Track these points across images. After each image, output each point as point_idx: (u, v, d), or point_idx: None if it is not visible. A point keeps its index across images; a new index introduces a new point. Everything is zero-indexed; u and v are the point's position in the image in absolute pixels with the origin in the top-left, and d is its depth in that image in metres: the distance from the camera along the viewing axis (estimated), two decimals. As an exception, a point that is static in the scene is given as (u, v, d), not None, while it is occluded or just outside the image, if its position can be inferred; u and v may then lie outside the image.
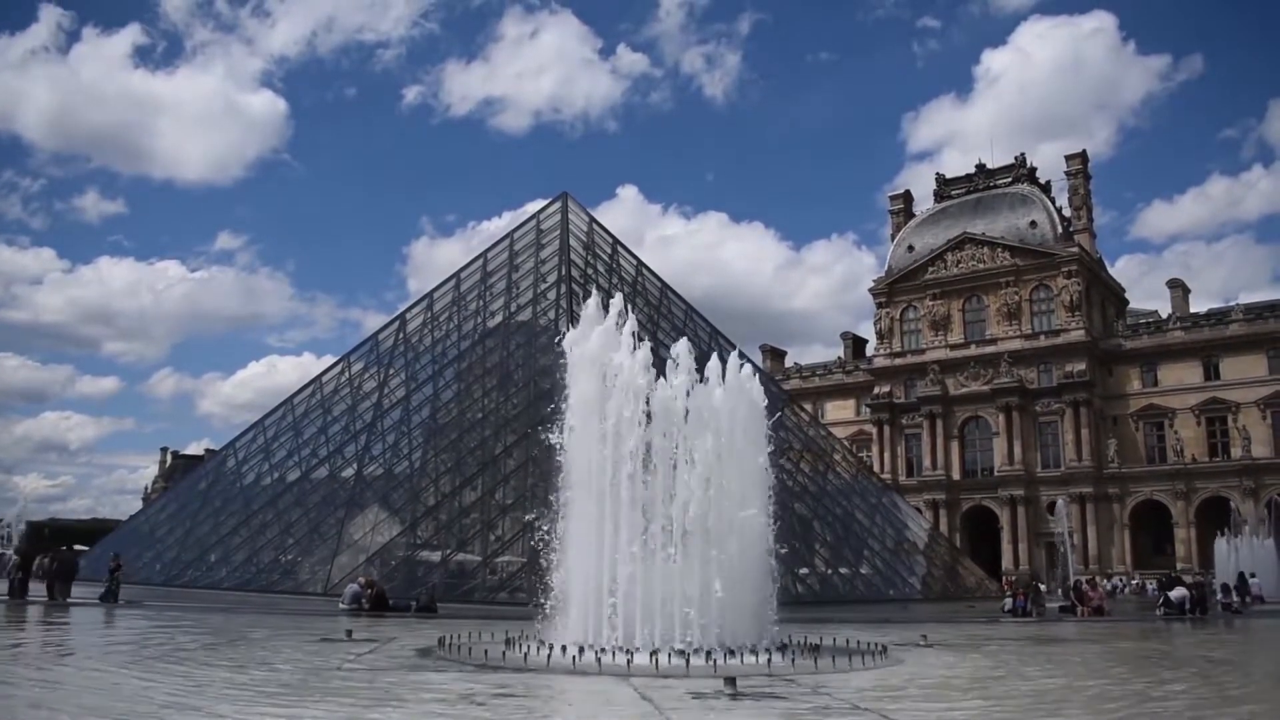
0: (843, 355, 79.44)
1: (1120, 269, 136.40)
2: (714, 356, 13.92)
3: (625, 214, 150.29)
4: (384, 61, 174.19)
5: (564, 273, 35.18)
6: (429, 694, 8.80)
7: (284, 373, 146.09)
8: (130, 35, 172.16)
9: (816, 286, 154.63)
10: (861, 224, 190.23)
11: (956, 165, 76.81)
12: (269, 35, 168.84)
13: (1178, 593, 27.20)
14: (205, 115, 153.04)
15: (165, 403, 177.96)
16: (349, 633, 14.34)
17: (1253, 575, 34.54)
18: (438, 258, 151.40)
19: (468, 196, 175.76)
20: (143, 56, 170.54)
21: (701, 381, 13.49)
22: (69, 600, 22.68)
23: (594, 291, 34.44)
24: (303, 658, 11.67)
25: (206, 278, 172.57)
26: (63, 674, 9.81)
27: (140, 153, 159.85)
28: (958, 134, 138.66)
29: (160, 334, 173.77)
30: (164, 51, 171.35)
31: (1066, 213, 68.45)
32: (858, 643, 12.79)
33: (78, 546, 57.02)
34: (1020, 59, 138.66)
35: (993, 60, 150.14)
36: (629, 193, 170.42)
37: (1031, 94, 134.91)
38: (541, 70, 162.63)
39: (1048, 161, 70.02)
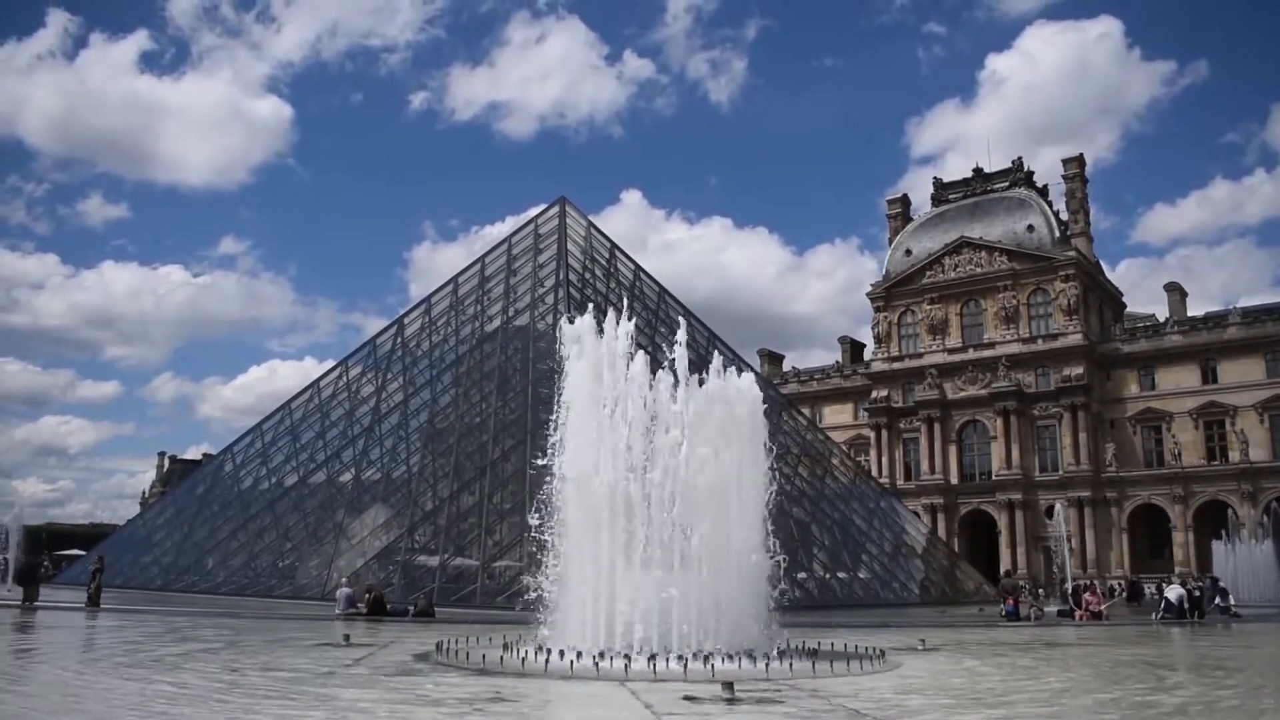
0: (841, 359, 79.47)
1: (1122, 273, 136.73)
2: (713, 362, 13.93)
3: (629, 219, 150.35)
4: (390, 65, 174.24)
5: (561, 277, 35.21)
6: (427, 699, 8.79)
7: (284, 377, 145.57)
8: (137, 41, 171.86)
9: (819, 291, 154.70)
10: (865, 228, 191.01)
11: (960, 170, 76.71)
12: (275, 41, 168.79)
13: (1175, 593, 27.21)
14: (211, 121, 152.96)
15: (165, 407, 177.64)
16: (346, 637, 14.33)
17: (1219, 581, 34.65)
18: (440, 263, 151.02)
19: (471, 201, 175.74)
20: (149, 62, 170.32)
21: (700, 386, 13.49)
22: (35, 604, 23.01)
23: (591, 296, 34.62)
24: (301, 663, 11.65)
25: (209, 282, 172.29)
26: None
27: (145, 158, 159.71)
28: (962, 138, 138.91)
29: (161, 338, 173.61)
30: (171, 57, 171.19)
31: (1064, 217, 68.56)
32: (855, 647, 12.79)
33: (74, 551, 57.14)
34: (1025, 63, 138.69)
35: (997, 65, 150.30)
36: (633, 198, 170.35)
37: (1035, 98, 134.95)
38: (547, 75, 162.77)
39: (1051, 166, 69.70)
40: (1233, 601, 31.40)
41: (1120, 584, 54.18)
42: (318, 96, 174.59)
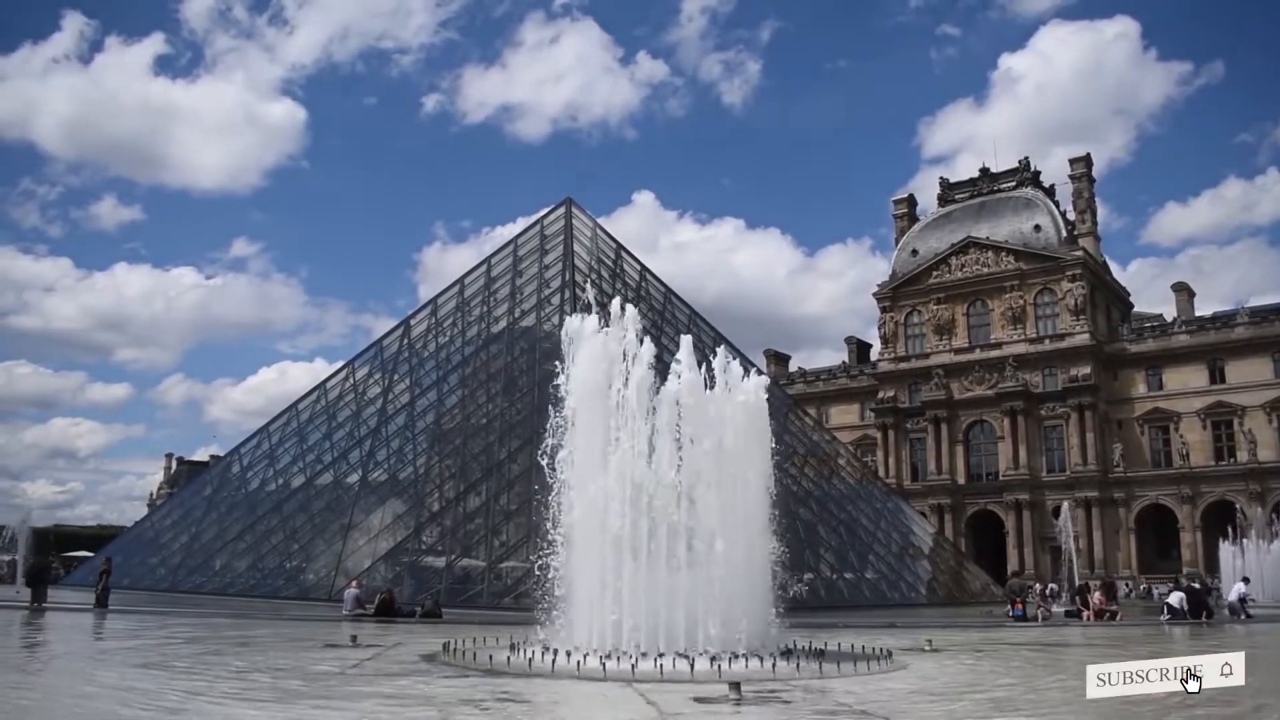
0: (847, 360, 79.42)
1: (1132, 273, 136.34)
2: (718, 361, 13.90)
3: (640, 220, 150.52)
4: (402, 67, 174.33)
5: (567, 278, 35.24)
6: (433, 700, 8.82)
7: (294, 379, 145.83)
8: (152, 45, 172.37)
9: (829, 291, 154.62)
10: (876, 229, 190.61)
11: (973, 170, 76.50)
12: (288, 43, 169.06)
13: (1176, 597, 27.21)
14: (224, 124, 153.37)
15: (175, 409, 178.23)
16: (353, 638, 14.36)
17: (1198, 583, 34.50)
18: (450, 264, 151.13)
19: (482, 203, 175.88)
20: (164, 65, 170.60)
21: (706, 385, 13.48)
22: (44, 605, 22.87)
23: (597, 297, 34.64)
24: (311, 663, 11.69)
25: (220, 284, 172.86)
26: None
27: (159, 161, 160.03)
28: (974, 139, 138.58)
29: (172, 340, 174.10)
30: (186, 61, 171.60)
31: (1071, 217, 68.42)
32: (862, 648, 12.78)
33: (82, 553, 57.33)
34: (1040, 63, 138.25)
35: (1011, 65, 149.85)
36: (645, 199, 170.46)
37: (1050, 98, 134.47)
38: (560, 77, 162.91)
39: (1065, 166, 69.59)
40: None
41: (1128, 584, 54.08)
42: (330, 99, 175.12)
